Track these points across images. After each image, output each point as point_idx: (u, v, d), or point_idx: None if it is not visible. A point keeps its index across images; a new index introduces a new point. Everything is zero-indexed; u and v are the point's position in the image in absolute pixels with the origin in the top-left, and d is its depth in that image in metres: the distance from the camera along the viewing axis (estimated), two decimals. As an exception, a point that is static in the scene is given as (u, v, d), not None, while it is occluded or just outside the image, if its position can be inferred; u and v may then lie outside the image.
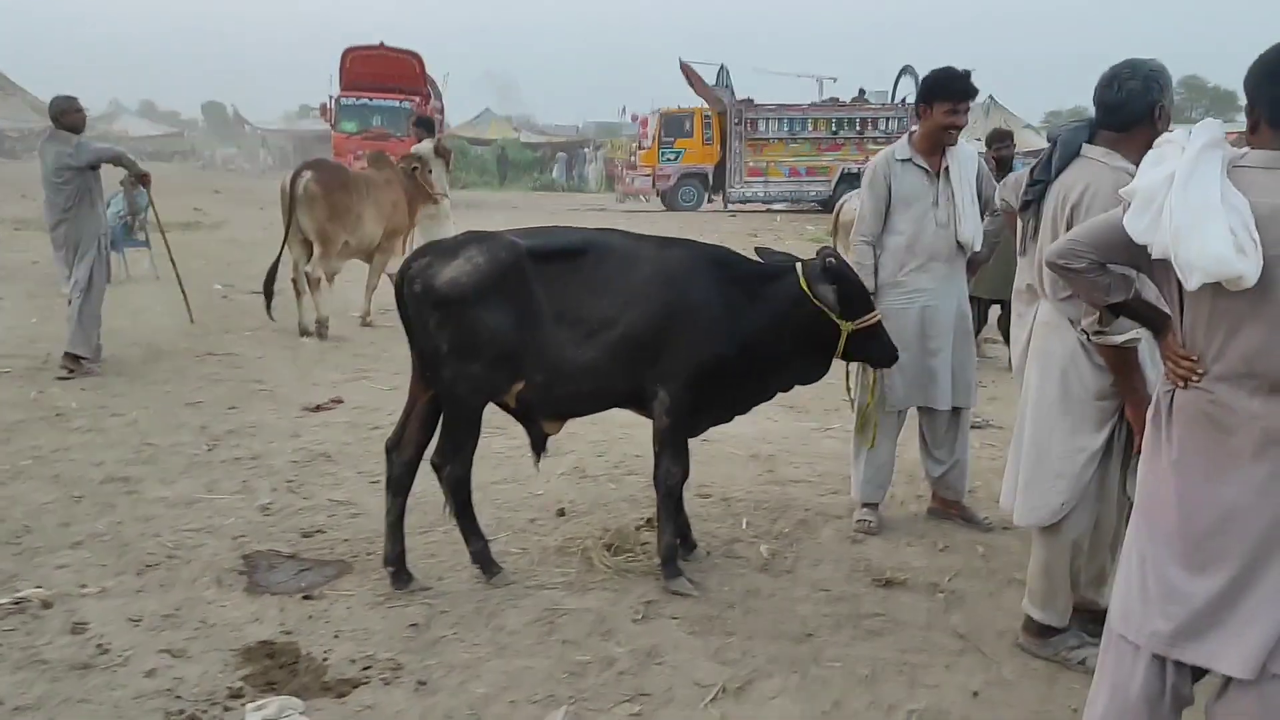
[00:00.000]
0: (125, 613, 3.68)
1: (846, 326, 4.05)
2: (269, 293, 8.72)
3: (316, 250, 9.04)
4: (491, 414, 4.01)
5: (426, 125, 11.92)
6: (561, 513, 4.86)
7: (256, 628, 3.62)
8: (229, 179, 37.16)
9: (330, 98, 26.55)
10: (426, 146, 10.30)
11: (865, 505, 4.85)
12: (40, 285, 11.41)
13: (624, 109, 47.03)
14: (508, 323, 3.78)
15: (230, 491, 5.07)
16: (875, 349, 4.19)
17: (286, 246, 9.07)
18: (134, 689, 3.17)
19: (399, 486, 4.00)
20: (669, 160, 27.60)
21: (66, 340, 7.41)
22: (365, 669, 3.36)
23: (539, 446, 4.16)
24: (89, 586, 3.89)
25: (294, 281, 9.10)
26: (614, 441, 5.96)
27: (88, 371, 7.35)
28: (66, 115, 7.51)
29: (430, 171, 10.07)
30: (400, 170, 9.97)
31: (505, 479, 5.25)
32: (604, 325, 3.87)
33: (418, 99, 25.53)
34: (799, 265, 4.11)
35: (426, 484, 4.06)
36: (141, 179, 8.14)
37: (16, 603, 3.70)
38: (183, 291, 8.98)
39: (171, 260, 8.95)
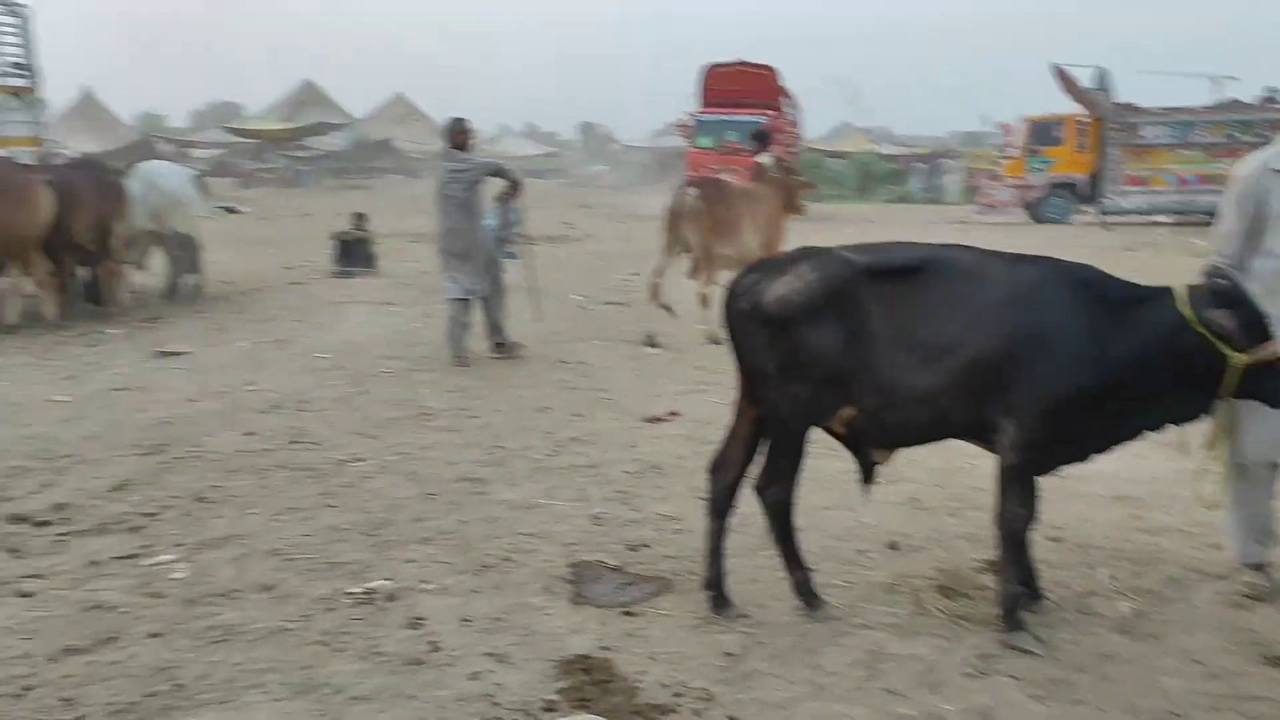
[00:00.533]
0: (459, 612, 3.84)
1: (1239, 359, 3.47)
2: (661, 303, 9.61)
3: (701, 262, 9.41)
4: (825, 435, 3.82)
5: (762, 138, 11.90)
6: (893, 546, 4.57)
7: (576, 640, 3.65)
8: (597, 194, 39.31)
9: (688, 114, 27.40)
10: (768, 159, 10.29)
11: (1249, 566, 4.16)
12: (425, 293, 12.55)
13: (986, 117, 44.91)
14: (838, 344, 3.57)
15: (567, 498, 5.21)
16: (1272, 385, 3.57)
17: (668, 257, 9.73)
18: (457, 690, 3.28)
19: (720, 509, 3.90)
20: (1037, 170, 25.94)
21: (487, 335, 8.68)
22: (677, 695, 3.27)
23: (868, 476, 3.91)
24: (431, 583, 4.11)
25: (701, 295, 9.40)
26: (954, 471, 5.55)
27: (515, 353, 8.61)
28: (457, 135, 8.49)
29: (773, 184, 10.13)
30: (778, 181, 10.09)
31: (835, 505, 5.01)
32: (945, 350, 3.56)
33: (772, 113, 25.71)
34: (1180, 287, 3.58)
35: (754, 505, 3.93)
36: (514, 188, 8.75)
37: (366, 593, 3.98)
38: (533, 293, 9.49)
39: (530, 267, 9.54)
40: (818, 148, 42.05)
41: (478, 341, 8.71)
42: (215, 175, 46.15)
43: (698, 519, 4.63)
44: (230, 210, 26.78)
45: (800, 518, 3.92)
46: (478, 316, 8.70)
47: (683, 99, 28.64)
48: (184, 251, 11.58)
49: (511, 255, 13.20)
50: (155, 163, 12.37)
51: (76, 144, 45.13)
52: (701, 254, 9.48)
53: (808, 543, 4.04)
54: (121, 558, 4.35)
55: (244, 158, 48.21)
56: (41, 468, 5.55)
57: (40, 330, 9.60)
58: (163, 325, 10.18)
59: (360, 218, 14.67)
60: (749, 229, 9.58)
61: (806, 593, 3.89)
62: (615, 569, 4.31)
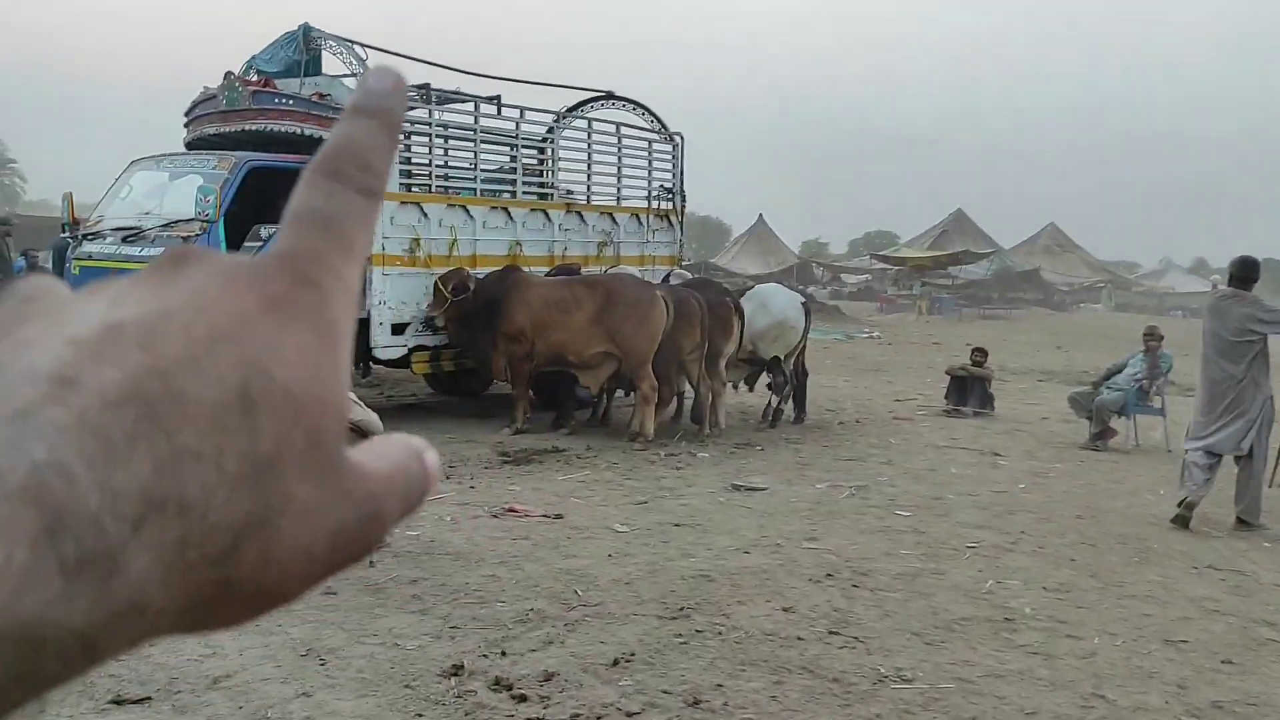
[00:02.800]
0: None
1: None
2: None
3: None
4: None
5: None
6: None
7: None
8: None
9: None
10: None
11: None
12: (1040, 444, 10.80)
13: None
14: None
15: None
16: None
17: None
18: None
19: None
20: None
21: (1240, 503, 7.49)
22: None
23: None
24: None
25: None
26: None
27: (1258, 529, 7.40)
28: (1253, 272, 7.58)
29: None
30: None
31: None
32: None
33: None
34: None
35: None
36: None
37: None
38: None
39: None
40: None
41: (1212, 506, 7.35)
42: (856, 300, 47.96)
43: None
44: (850, 337, 26.93)
45: None
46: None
47: None
48: (783, 378, 11.17)
49: (1155, 411, 11.00)
50: (770, 285, 12.25)
51: (745, 265, 50.01)
52: None
53: None
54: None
55: (888, 284, 49.33)
56: (557, 616, 5.03)
57: (635, 447, 9.66)
58: (752, 454, 9.72)
59: (980, 353, 13.32)
60: None
61: None
62: None
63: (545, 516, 6.97)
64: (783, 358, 11.04)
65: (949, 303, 43.11)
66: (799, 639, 4.87)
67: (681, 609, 5.20)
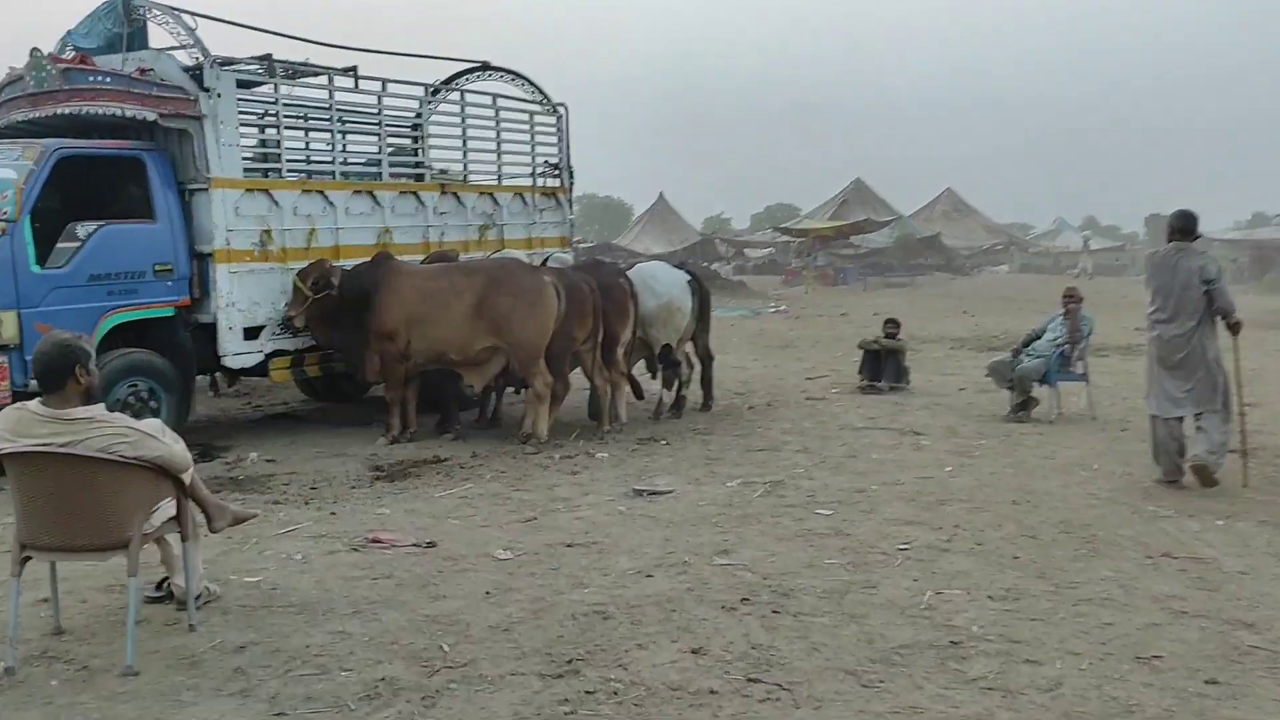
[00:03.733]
0: None
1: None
2: None
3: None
4: None
5: None
6: None
7: None
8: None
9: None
10: None
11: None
12: (961, 420, 10.16)
13: None
14: None
15: None
16: None
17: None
18: None
19: None
20: None
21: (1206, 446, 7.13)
22: None
23: None
24: None
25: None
26: None
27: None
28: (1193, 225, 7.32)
29: None
30: None
31: None
32: None
33: None
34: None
35: None
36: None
37: None
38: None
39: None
40: None
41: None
42: (761, 274, 47.50)
43: None
44: (756, 313, 26.31)
45: None
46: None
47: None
48: (672, 370, 10.27)
49: (1078, 377, 10.43)
50: (653, 264, 11.31)
51: (648, 245, 49.21)
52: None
53: None
54: None
55: (791, 256, 48.95)
56: (414, 685, 4.06)
57: (527, 450, 8.69)
58: (656, 450, 8.84)
59: (892, 324, 12.66)
60: None
61: None
62: None
63: (415, 546, 5.99)
64: (674, 344, 10.14)
65: (853, 272, 42.91)
66: (712, 693, 3.99)
67: (570, 662, 4.28)
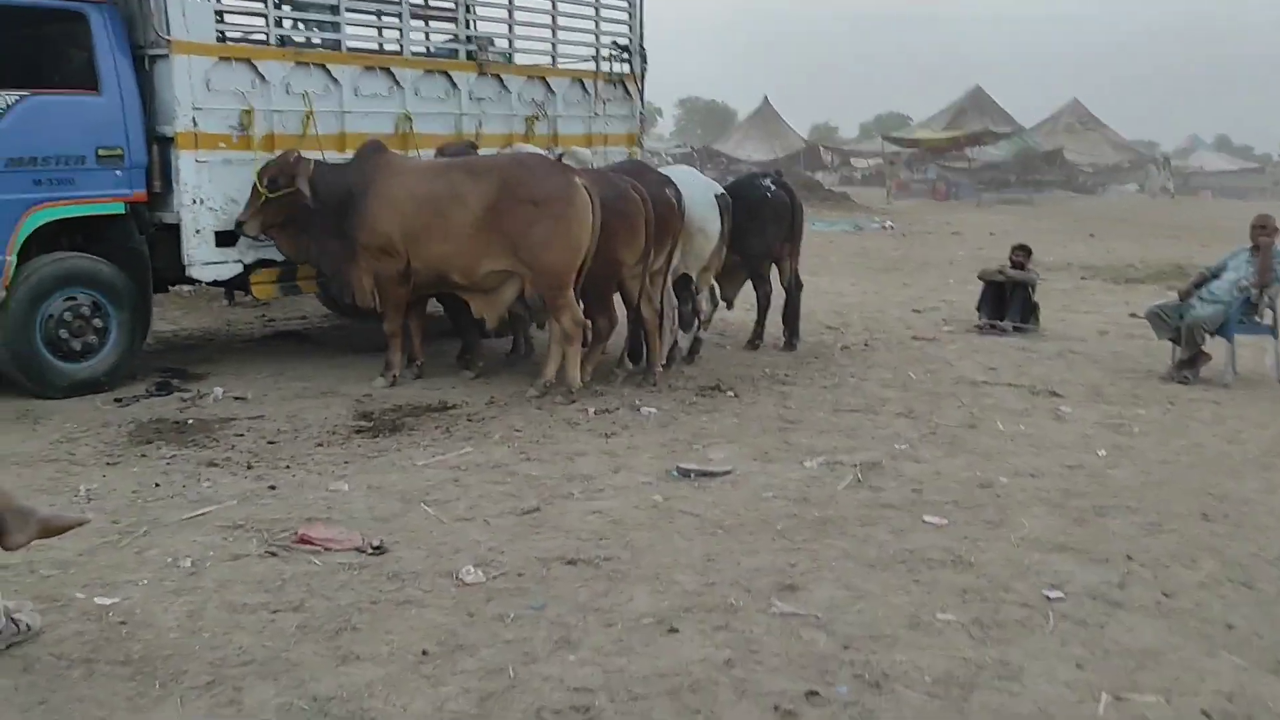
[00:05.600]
0: None
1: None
2: None
3: None
4: None
5: None
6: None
7: None
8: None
9: None
10: None
11: None
12: (1108, 374, 8.09)
13: None
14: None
15: None
16: None
17: None
18: None
19: None
20: None
21: None
22: None
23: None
24: None
25: None
26: None
27: None
28: None
29: None
30: None
31: None
32: None
33: None
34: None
35: None
36: None
37: None
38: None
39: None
40: None
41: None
42: (866, 186, 44.61)
43: None
44: (859, 228, 23.98)
45: None
46: None
47: None
48: (691, 306, 8.27)
49: (1266, 330, 8.24)
50: (679, 168, 9.23)
51: (750, 151, 46.87)
52: None
53: None
54: None
55: (900, 168, 45.87)
56: None
57: (558, 401, 6.93)
58: (718, 405, 7.01)
59: (1022, 251, 10.50)
60: None
61: None
62: None
63: (357, 550, 4.31)
64: (695, 275, 8.14)
65: (964, 188, 39.83)
66: None
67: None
